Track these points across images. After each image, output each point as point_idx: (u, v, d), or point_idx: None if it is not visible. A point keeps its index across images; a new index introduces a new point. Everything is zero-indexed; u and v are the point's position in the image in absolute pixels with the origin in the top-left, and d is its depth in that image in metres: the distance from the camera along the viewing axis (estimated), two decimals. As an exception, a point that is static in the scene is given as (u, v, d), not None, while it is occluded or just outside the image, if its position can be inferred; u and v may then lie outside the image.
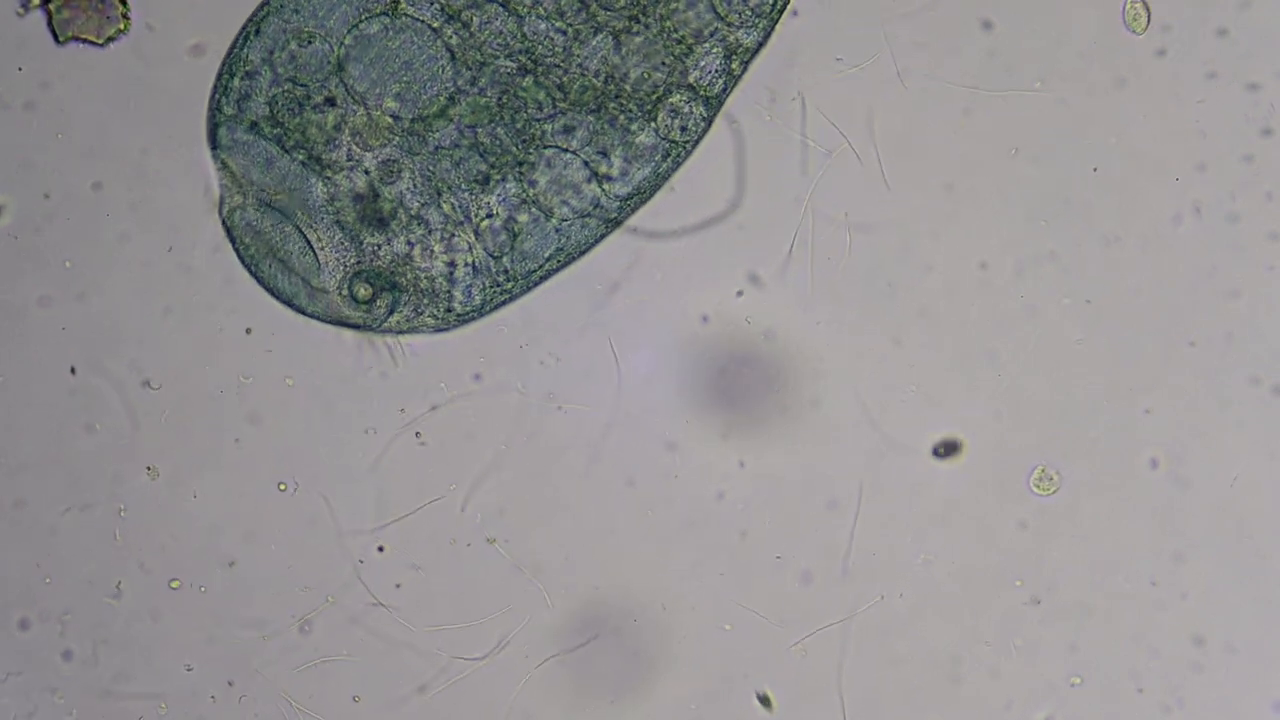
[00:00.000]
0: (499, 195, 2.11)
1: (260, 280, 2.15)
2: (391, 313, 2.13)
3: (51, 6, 2.15)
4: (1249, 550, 2.20)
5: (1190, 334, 2.19)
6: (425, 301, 2.14)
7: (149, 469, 2.20)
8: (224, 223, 2.14)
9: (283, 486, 2.20)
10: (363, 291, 2.12)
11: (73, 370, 2.20)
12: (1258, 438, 2.20)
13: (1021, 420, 2.19)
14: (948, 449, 2.18)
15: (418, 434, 2.19)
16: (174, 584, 2.22)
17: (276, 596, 2.22)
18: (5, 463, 2.21)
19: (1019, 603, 2.20)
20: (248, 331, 2.18)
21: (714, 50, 2.11)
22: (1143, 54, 2.16)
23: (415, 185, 2.11)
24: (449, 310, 2.14)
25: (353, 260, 2.13)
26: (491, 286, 2.14)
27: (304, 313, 2.15)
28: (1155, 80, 2.16)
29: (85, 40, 2.15)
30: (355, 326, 2.16)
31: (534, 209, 2.12)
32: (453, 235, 2.12)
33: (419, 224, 2.12)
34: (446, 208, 2.11)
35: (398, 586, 2.21)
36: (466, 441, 2.20)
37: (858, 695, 2.21)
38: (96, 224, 2.19)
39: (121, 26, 2.15)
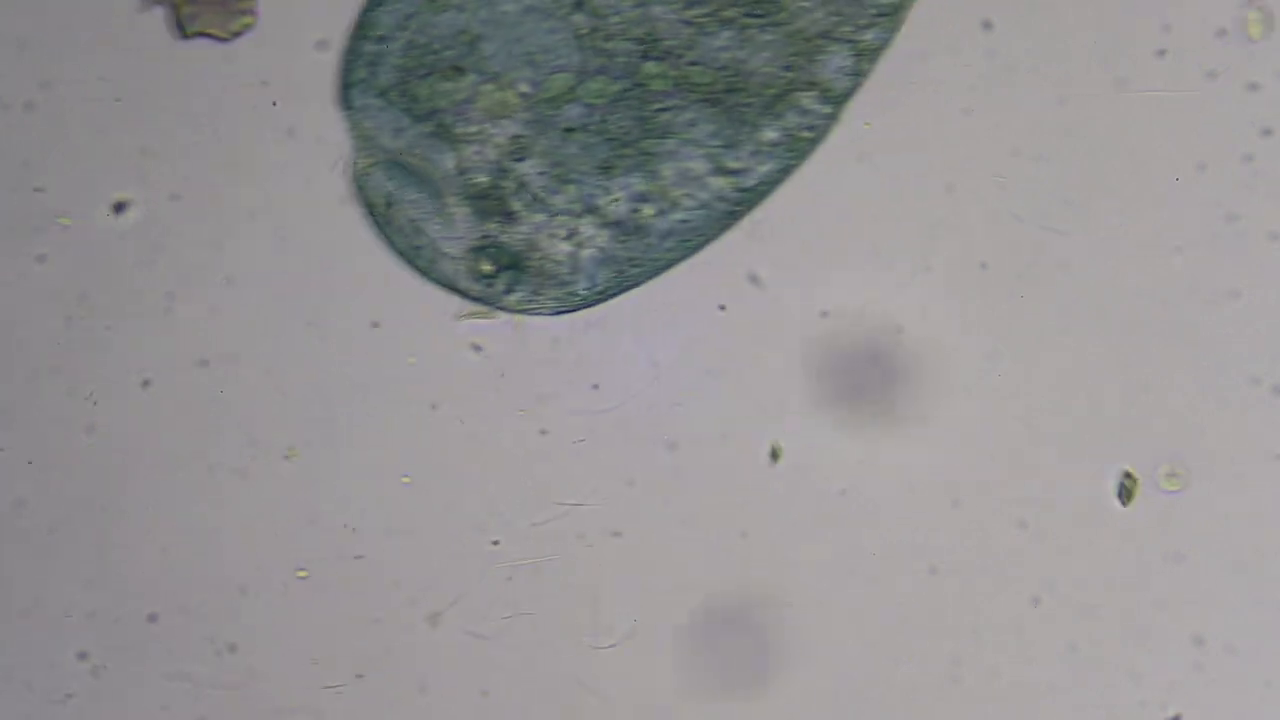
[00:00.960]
0: (622, 185, 2.12)
1: (386, 240, 2.16)
2: (510, 291, 2.13)
3: (177, 0, 2.16)
4: (1249, 550, 2.21)
5: (1190, 334, 2.20)
6: (547, 284, 2.15)
7: (289, 452, 2.21)
8: (355, 181, 2.16)
9: (406, 479, 2.22)
10: (485, 267, 2.13)
11: (204, 363, 2.21)
12: (1258, 438, 2.20)
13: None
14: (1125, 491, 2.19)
15: (553, 432, 2.21)
16: (301, 573, 2.23)
17: (403, 591, 2.23)
18: (140, 456, 2.22)
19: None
20: (374, 325, 2.20)
21: (842, 50, 2.11)
22: (1143, 54, 2.18)
23: (542, 168, 2.13)
24: (571, 294, 2.15)
25: (478, 234, 2.14)
26: (615, 274, 2.15)
27: (425, 275, 2.16)
28: (1155, 80, 2.19)
29: (210, 35, 2.16)
30: (473, 298, 2.16)
31: (658, 200, 2.13)
32: (577, 221, 2.13)
33: (541, 209, 2.13)
34: (571, 192, 2.12)
35: (509, 580, 2.22)
36: (589, 434, 2.21)
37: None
38: (223, 217, 2.21)
39: (247, 21, 2.16)
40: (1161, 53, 2.17)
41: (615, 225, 2.14)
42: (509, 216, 2.13)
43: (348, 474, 2.22)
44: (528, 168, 2.13)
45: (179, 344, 2.22)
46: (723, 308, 2.19)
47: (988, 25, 2.18)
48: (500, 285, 2.14)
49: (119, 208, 2.20)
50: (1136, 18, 2.19)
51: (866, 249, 2.19)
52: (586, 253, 2.14)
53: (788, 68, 2.11)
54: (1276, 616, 2.21)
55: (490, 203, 2.13)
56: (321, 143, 2.18)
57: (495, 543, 2.21)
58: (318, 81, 2.18)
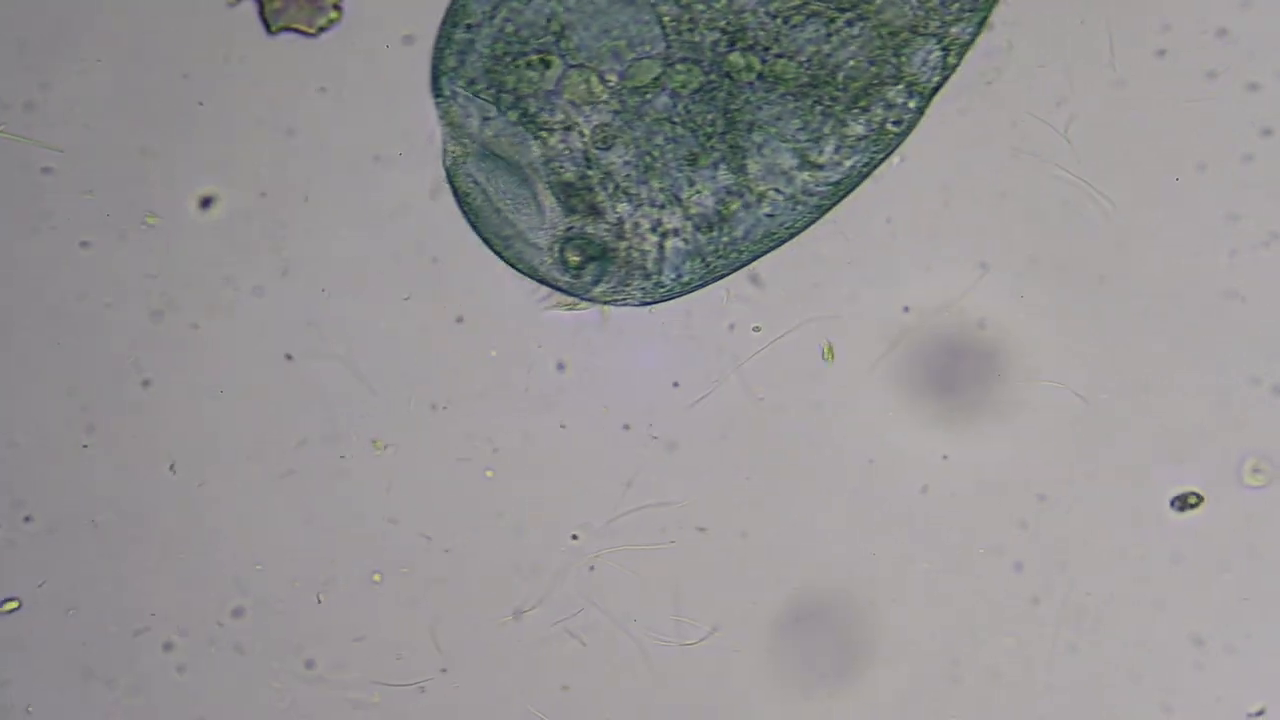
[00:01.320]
0: (708, 176, 2.13)
1: (477, 230, 2.17)
2: (597, 282, 2.14)
3: None
4: (1249, 550, 2.22)
5: (1189, 334, 2.21)
6: (634, 274, 2.16)
7: (375, 444, 2.21)
8: (446, 170, 2.17)
9: (490, 473, 2.23)
10: (573, 258, 2.13)
11: (289, 357, 2.22)
12: (1258, 437, 2.21)
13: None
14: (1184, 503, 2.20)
15: (636, 428, 2.23)
16: (376, 578, 2.23)
17: (488, 584, 2.24)
18: (223, 451, 2.24)
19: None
20: (459, 320, 2.21)
21: (931, 45, 2.13)
22: (1143, 54, 2.18)
23: (628, 159, 2.14)
24: (658, 285, 2.16)
25: (565, 225, 2.15)
26: (700, 265, 2.16)
27: (513, 265, 2.17)
28: (1155, 81, 2.20)
29: (297, 30, 2.16)
30: (561, 289, 2.18)
31: (745, 194, 2.14)
32: (661, 213, 2.14)
33: (627, 199, 2.14)
34: (656, 183, 2.13)
35: (591, 569, 2.23)
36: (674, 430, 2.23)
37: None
38: (307, 213, 2.22)
39: (333, 15, 2.17)
40: (1161, 53, 2.18)
41: (700, 218, 2.15)
42: (595, 208, 2.14)
43: (432, 469, 2.23)
44: (614, 158, 2.14)
45: (265, 339, 2.23)
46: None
47: (987, 25, 2.18)
48: (587, 276, 2.15)
49: (205, 203, 2.20)
50: (1136, 18, 2.19)
51: (944, 245, 2.21)
52: (672, 244, 2.15)
53: (873, 62, 2.13)
54: (1276, 616, 2.21)
55: (576, 195, 2.14)
56: (409, 136, 2.19)
57: (575, 537, 2.22)
58: (405, 75, 2.19)
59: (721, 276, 2.18)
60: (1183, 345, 2.20)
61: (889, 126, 2.14)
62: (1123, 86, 2.18)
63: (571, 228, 2.13)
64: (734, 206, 2.14)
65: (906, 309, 2.19)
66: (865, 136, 2.13)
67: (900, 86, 2.12)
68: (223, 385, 2.22)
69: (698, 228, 2.14)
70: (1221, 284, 2.20)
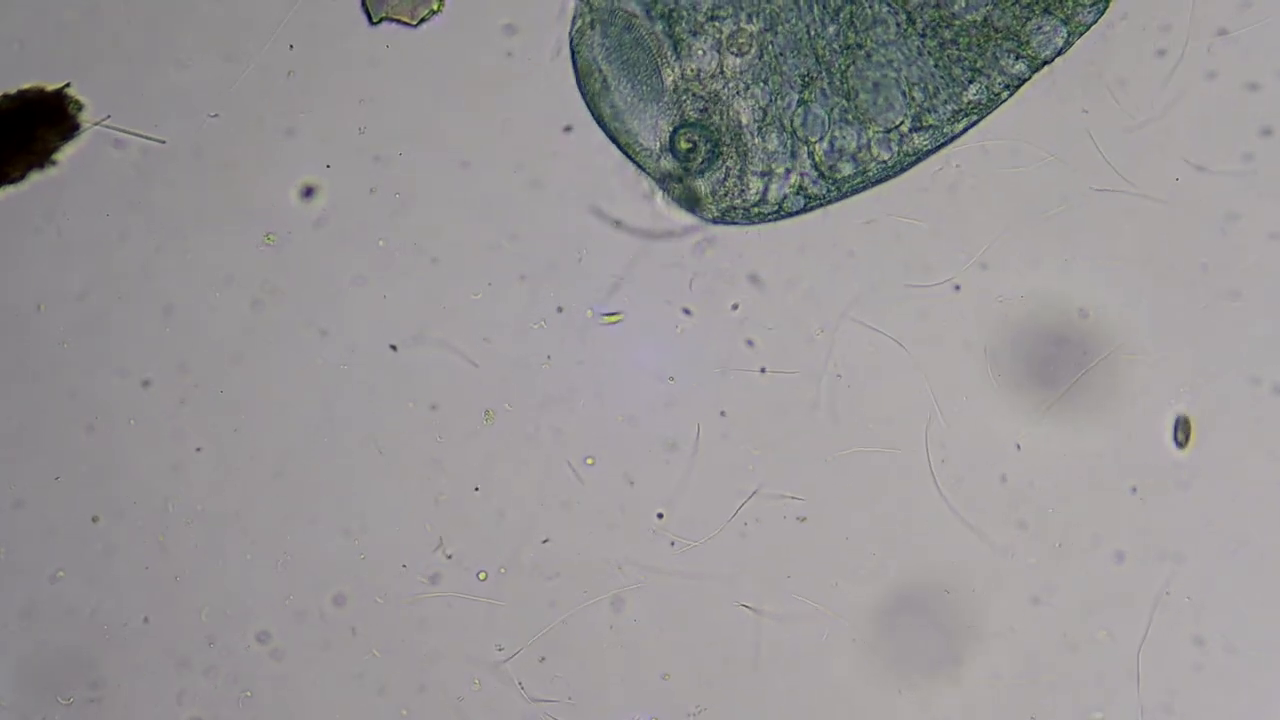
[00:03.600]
0: (822, 103, 2.15)
1: (589, 105, 2.18)
2: (703, 172, 2.14)
3: None
4: (1249, 550, 2.20)
5: (1190, 334, 2.20)
6: (738, 175, 2.15)
7: (487, 413, 2.23)
8: (570, 40, 2.17)
9: (590, 460, 2.24)
10: (683, 143, 2.13)
11: (393, 347, 2.23)
12: (1258, 437, 2.19)
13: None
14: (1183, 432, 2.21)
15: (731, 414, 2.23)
16: (482, 576, 2.24)
17: (586, 573, 2.25)
18: (325, 436, 2.25)
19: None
20: (540, 325, 2.23)
21: (1055, 22, 2.15)
22: (1143, 54, 2.18)
23: (756, 106, 2.15)
24: (759, 212, 2.17)
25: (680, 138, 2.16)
26: (800, 202, 2.17)
27: (617, 144, 2.17)
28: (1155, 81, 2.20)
29: (398, 20, 2.18)
30: (663, 180, 2.17)
31: (861, 150, 2.15)
32: (773, 162, 2.15)
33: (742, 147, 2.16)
34: (774, 137, 2.14)
35: (672, 544, 2.23)
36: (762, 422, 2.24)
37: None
38: (414, 203, 2.23)
39: (435, 7, 2.18)
40: (1161, 53, 2.18)
41: (813, 169, 2.16)
42: (712, 151, 2.14)
43: (532, 458, 2.24)
44: (742, 106, 2.15)
45: (369, 327, 2.24)
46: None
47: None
48: (695, 162, 2.13)
49: (307, 192, 2.21)
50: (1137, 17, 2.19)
51: (1036, 235, 2.22)
52: (776, 185, 2.16)
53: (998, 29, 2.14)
54: (1276, 616, 2.19)
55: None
56: (509, 127, 2.21)
57: (659, 515, 2.22)
58: (505, 66, 2.21)
59: (814, 209, 2.18)
60: (1182, 345, 2.21)
61: (1000, 92, 2.15)
62: (1123, 86, 2.18)
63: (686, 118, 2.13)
64: (845, 170, 2.14)
65: (957, 287, 2.20)
66: (974, 103, 2.14)
67: (1020, 58, 2.14)
68: (323, 376, 2.24)
69: (807, 176, 2.15)
70: (1222, 284, 2.19)
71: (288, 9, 2.20)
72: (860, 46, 2.13)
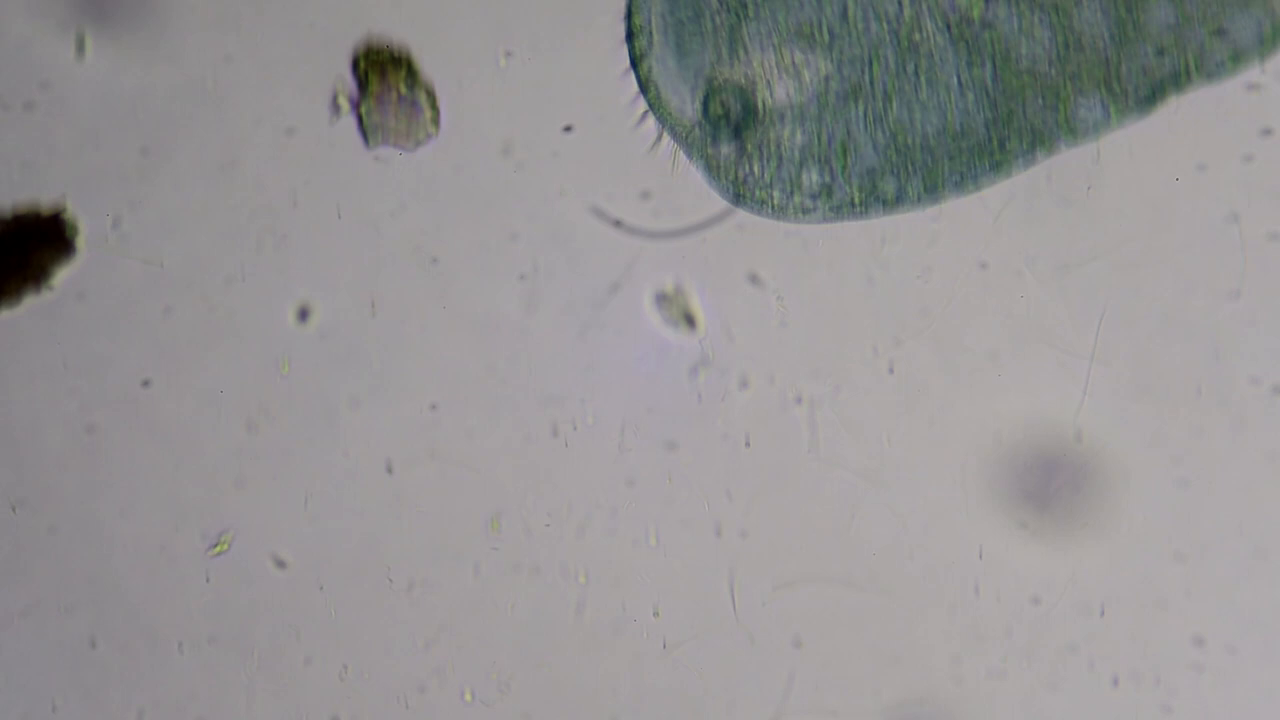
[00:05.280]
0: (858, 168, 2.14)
1: (633, 64, 2.16)
2: (734, 138, 2.13)
3: (362, 111, 2.19)
4: (1250, 550, 2.20)
5: (1190, 334, 2.19)
6: (766, 152, 2.14)
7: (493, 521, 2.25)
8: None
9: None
10: (717, 108, 2.11)
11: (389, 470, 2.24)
12: (1258, 437, 2.19)
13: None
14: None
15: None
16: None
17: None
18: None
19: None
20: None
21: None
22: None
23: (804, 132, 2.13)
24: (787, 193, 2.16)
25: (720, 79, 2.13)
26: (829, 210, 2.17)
27: (643, 91, 2.16)
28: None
29: (395, 144, 2.19)
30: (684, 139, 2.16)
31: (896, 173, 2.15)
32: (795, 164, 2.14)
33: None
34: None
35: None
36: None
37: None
38: (409, 328, 2.24)
39: (431, 130, 2.19)
40: (1161, 53, 2.15)
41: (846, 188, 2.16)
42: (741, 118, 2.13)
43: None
44: (782, 134, 2.14)
45: (367, 447, 2.26)
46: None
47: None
48: (725, 126, 2.12)
49: (302, 315, 2.22)
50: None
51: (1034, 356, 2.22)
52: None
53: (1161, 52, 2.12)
54: (1276, 616, 2.20)
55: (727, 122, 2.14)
56: (511, 244, 2.22)
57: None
58: (503, 187, 2.21)
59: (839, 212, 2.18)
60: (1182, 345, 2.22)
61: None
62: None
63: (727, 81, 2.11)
64: (889, 191, 2.14)
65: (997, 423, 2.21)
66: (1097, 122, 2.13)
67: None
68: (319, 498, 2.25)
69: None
70: (1223, 284, 2.19)
71: (286, 133, 2.22)
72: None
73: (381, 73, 2.18)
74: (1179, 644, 2.21)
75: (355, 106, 2.19)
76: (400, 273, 2.23)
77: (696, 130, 2.13)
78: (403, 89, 2.18)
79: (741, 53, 2.12)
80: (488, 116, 2.21)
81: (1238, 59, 2.10)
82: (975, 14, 2.09)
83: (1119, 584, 2.20)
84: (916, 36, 2.11)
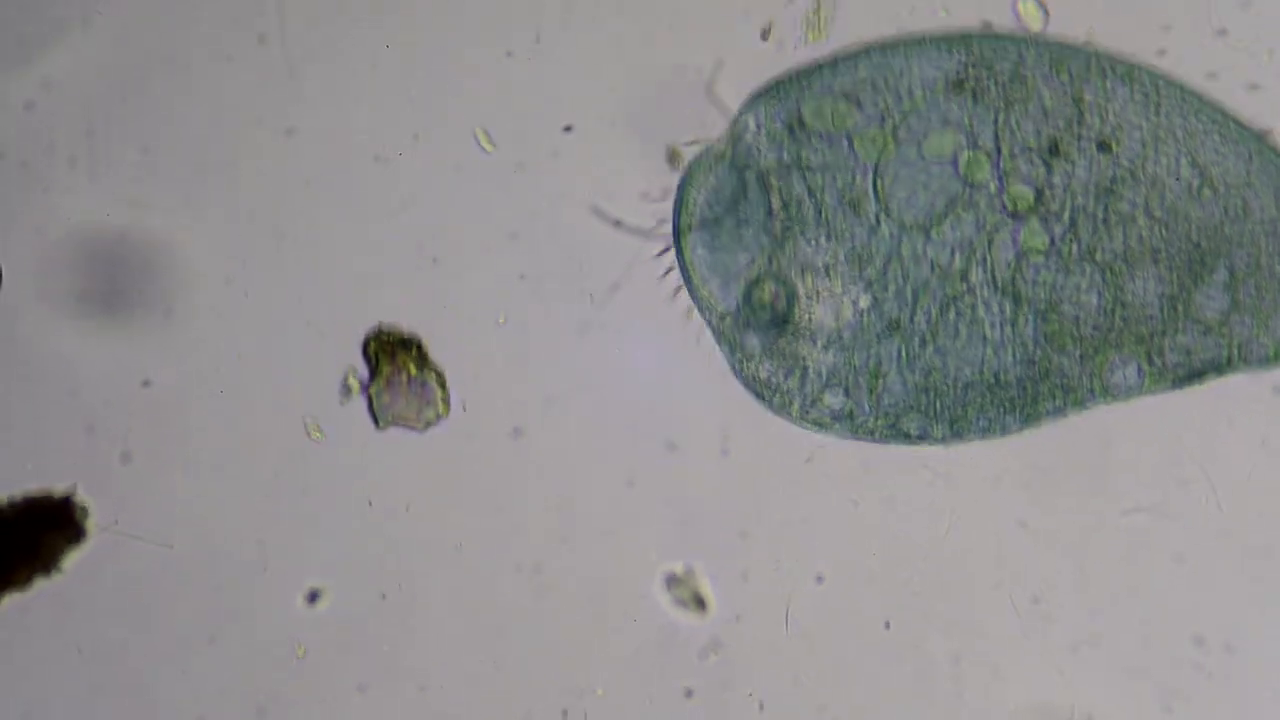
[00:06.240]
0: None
1: (675, 226, 2.16)
2: (762, 336, 2.14)
3: (372, 392, 2.20)
4: (1250, 550, 2.19)
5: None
6: (794, 361, 2.16)
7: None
8: (691, 162, 2.15)
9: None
10: (762, 295, 2.13)
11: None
12: (1258, 437, 2.20)
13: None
14: None
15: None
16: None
17: None
18: None
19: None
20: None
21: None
22: (1143, 54, 2.17)
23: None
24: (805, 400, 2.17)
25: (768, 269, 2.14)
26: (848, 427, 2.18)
27: (678, 253, 2.16)
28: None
29: (405, 425, 2.20)
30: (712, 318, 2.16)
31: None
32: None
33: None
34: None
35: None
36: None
37: None
38: (417, 615, 2.23)
39: (441, 411, 2.20)
40: (1162, 53, 2.16)
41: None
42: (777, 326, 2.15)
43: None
44: (808, 351, 2.16)
45: None
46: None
47: (987, 26, 2.18)
48: (758, 320, 2.13)
49: (312, 597, 2.21)
50: (1137, 17, 2.17)
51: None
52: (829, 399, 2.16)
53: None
54: (1276, 616, 2.18)
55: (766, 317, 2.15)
56: (516, 534, 2.23)
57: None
58: (511, 467, 2.22)
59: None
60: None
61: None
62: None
63: (776, 274, 2.12)
64: (911, 429, 2.16)
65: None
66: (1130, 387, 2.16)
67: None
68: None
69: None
70: None
71: (296, 408, 2.22)
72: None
73: (392, 355, 2.19)
74: (1179, 644, 2.19)
75: (365, 388, 2.20)
76: (410, 559, 2.22)
77: (729, 318, 2.15)
78: (413, 370, 2.19)
79: (792, 261, 2.15)
80: (498, 399, 2.23)
81: (1280, 355, 2.17)
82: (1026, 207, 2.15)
83: (1119, 584, 2.19)
84: (961, 286, 2.14)
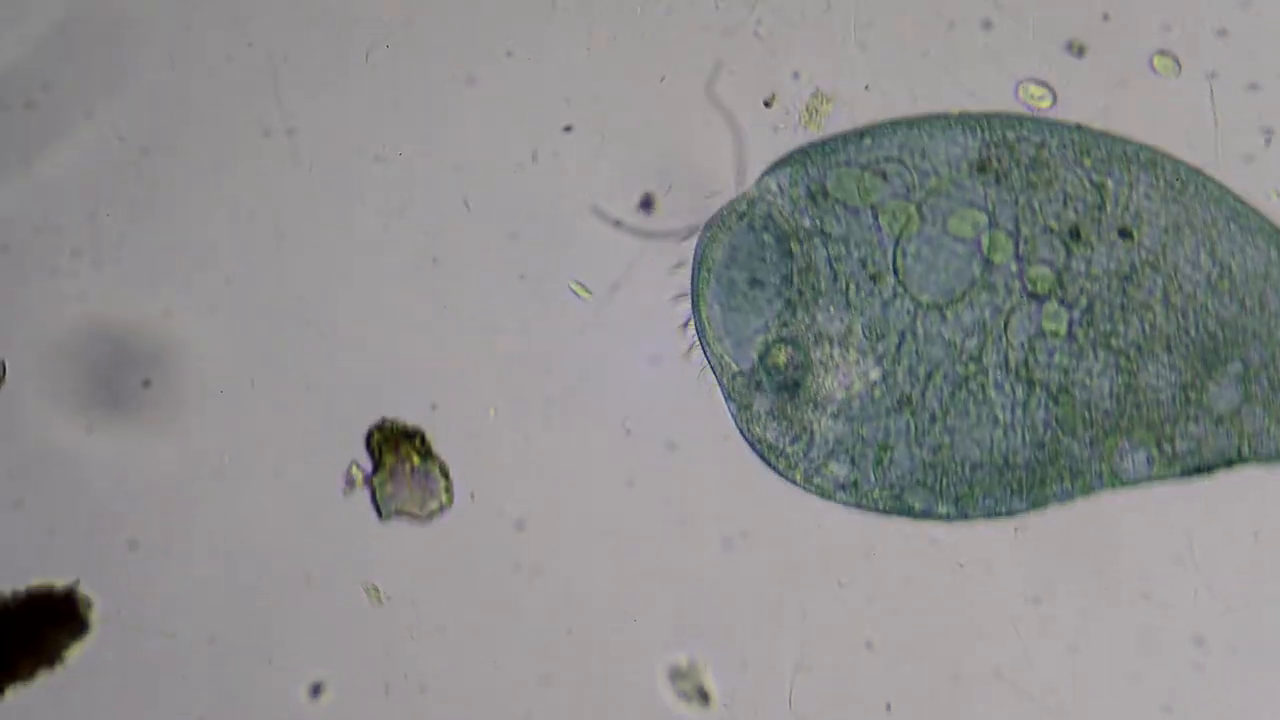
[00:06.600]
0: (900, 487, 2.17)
1: (694, 282, 2.17)
2: (773, 395, 2.15)
3: (375, 482, 2.19)
4: (1250, 550, 2.19)
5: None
6: (799, 424, 2.16)
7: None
8: (710, 222, 2.15)
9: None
10: (779, 357, 2.13)
11: None
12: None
13: None
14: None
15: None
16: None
17: None
18: None
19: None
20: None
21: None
22: (1143, 53, 2.19)
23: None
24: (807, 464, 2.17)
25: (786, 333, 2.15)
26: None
27: (696, 308, 2.17)
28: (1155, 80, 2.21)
29: (408, 515, 2.20)
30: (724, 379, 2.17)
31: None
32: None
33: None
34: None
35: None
36: None
37: None
38: (421, 709, 2.23)
39: (444, 500, 2.20)
40: (1162, 53, 2.17)
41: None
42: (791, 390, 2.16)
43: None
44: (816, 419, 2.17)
45: None
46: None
47: (987, 25, 2.19)
48: (769, 381, 2.14)
49: (315, 690, 2.20)
50: (1137, 18, 2.19)
51: None
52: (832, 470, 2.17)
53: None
54: (1276, 616, 2.19)
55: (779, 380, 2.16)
56: (521, 625, 2.22)
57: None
58: (517, 557, 2.21)
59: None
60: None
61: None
62: (1124, 86, 2.19)
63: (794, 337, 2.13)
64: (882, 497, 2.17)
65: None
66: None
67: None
68: None
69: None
70: None
71: (300, 506, 2.23)
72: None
73: (395, 446, 2.19)
74: (1179, 644, 2.18)
75: (369, 479, 2.20)
76: (415, 651, 2.22)
77: (740, 378, 2.16)
78: (416, 461, 2.19)
79: (808, 328, 2.15)
80: (501, 490, 2.23)
81: (1293, 451, 2.16)
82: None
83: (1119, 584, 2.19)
84: (973, 368, 2.15)
